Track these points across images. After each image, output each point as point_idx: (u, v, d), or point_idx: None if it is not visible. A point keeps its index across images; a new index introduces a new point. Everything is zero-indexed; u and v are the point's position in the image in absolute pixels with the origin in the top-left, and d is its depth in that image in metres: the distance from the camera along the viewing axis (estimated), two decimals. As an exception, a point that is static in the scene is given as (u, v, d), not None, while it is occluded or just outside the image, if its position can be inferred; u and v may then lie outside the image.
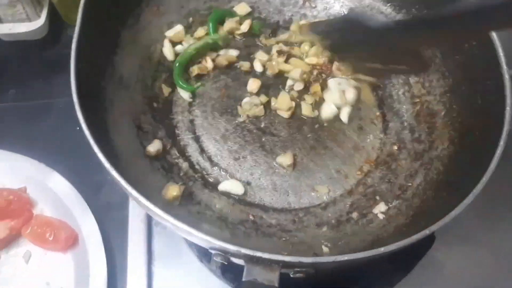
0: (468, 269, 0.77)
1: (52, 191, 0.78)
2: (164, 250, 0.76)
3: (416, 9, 0.83)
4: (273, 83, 0.83)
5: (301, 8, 0.91)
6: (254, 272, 0.51)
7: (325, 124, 0.80)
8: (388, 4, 0.86)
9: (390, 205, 0.72)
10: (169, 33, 0.84)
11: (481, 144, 0.67)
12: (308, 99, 0.82)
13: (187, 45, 0.84)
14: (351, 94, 0.81)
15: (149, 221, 0.77)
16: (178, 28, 0.85)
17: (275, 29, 0.89)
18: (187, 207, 0.69)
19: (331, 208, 0.73)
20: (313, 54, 0.84)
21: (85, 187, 0.77)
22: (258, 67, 0.84)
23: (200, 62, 0.84)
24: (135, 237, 0.76)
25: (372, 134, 0.80)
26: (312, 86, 0.83)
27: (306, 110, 0.81)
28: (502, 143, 0.62)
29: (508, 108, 0.65)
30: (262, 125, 0.79)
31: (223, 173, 0.75)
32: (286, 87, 0.83)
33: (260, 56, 0.84)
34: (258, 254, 0.51)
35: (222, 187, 0.73)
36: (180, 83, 0.80)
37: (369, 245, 0.64)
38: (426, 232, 0.55)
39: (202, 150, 0.77)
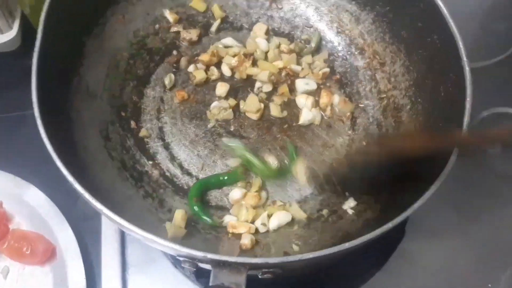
0: (440, 260, 0.78)
1: (28, 204, 0.78)
2: (138, 257, 0.76)
3: (380, 5, 0.84)
4: (241, 86, 0.84)
5: (268, 10, 0.92)
6: (220, 276, 0.52)
7: (294, 124, 0.81)
8: (353, 2, 0.87)
9: (359, 201, 0.73)
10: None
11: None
12: (277, 100, 0.82)
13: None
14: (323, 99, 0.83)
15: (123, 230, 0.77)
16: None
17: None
18: (158, 215, 0.69)
19: (302, 207, 0.74)
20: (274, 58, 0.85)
21: (61, 199, 0.77)
22: (226, 71, 0.85)
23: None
24: (109, 246, 0.76)
25: (341, 131, 0.81)
26: (280, 87, 0.83)
27: (274, 111, 0.81)
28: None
29: (468, 99, 0.66)
30: (232, 129, 0.80)
31: (193, 178, 0.76)
32: (255, 89, 0.83)
33: (227, 60, 0.85)
34: (224, 258, 0.52)
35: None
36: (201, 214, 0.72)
37: (339, 242, 0.64)
38: (389, 225, 0.56)
39: (172, 157, 0.77)
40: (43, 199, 0.77)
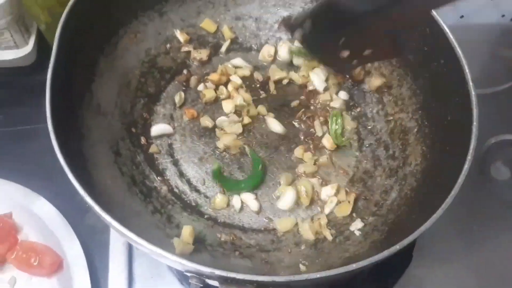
0: (446, 286, 0.78)
1: (37, 216, 0.79)
2: (145, 272, 0.76)
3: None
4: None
5: (276, 32, 0.93)
6: (228, 293, 0.52)
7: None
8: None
9: (366, 222, 0.73)
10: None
11: (452, 159, 0.69)
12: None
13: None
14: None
15: (130, 244, 0.78)
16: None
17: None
18: (165, 230, 0.69)
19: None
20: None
21: (70, 212, 0.78)
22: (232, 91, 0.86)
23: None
24: (116, 260, 0.76)
25: (348, 152, 0.81)
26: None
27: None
28: (470, 157, 0.64)
29: (475, 123, 0.67)
30: (240, 148, 0.81)
31: (202, 195, 0.76)
32: None
33: (234, 79, 0.86)
34: (232, 275, 0.52)
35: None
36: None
37: (345, 262, 0.65)
38: (397, 247, 0.56)
39: (181, 174, 0.78)
40: (53, 211, 0.78)
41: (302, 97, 0.86)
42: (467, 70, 0.70)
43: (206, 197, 0.76)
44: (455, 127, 0.71)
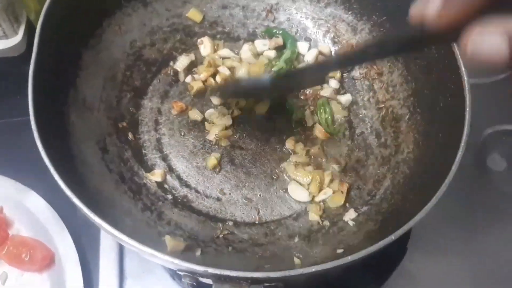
0: (441, 278, 0.78)
1: (28, 210, 0.78)
2: (136, 267, 0.76)
3: (377, 16, 0.84)
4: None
5: (264, 20, 0.91)
6: (222, 291, 0.51)
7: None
8: (349, 12, 0.87)
9: (360, 212, 0.72)
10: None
11: (445, 147, 0.68)
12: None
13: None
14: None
15: (121, 241, 0.77)
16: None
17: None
18: (157, 228, 0.68)
19: (303, 218, 0.73)
20: None
21: (61, 206, 0.77)
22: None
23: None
24: (108, 255, 0.76)
25: (340, 142, 0.80)
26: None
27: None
28: (463, 144, 0.63)
29: (468, 109, 0.66)
30: (231, 140, 0.79)
31: (192, 190, 0.75)
32: None
33: (222, 71, 0.84)
34: (226, 272, 0.51)
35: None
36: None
37: (340, 254, 0.64)
38: (392, 237, 0.55)
39: (171, 169, 0.76)
40: (43, 205, 0.77)
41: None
42: (459, 55, 0.69)
43: (197, 192, 0.75)
44: (448, 114, 0.70)
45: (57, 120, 0.68)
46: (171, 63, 0.86)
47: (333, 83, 0.85)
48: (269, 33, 0.89)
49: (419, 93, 0.78)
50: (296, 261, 0.65)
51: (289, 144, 0.79)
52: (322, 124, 0.81)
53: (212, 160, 0.76)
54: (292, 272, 0.52)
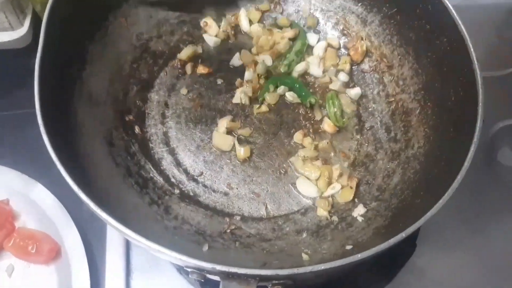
0: (450, 274, 0.77)
1: (35, 203, 0.78)
2: (142, 261, 0.75)
3: (387, 7, 0.82)
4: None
5: (272, 12, 0.90)
6: (230, 288, 0.51)
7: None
8: (359, 4, 0.86)
9: (369, 207, 0.71)
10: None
11: (456, 142, 0.67)
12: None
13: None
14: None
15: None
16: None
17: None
18: (163, 222, 0.68)
19: (311, 214, 0.73)
20: None
21: (68, 198, 0.77)
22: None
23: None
24: (114, 248, 0.76)
25: (349, 136, 0.79)
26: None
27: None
28: (475, 139, 0.62)
29: (480, 104, 0.64)
30: (238, 133, 0.79)
31: (199, 185, 0.74)
32: None
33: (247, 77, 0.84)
34: (234, 269, 0.50)
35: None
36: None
37: (349, 250, 0.64)
38: (402, 235, 0.54)
39: (178, 163, 0.76)
40: (50, 198, 0.77)
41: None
42: (471, 48, 0.68)
43: (205, 186, 0.74)
44: (460, 108, 0.69)
45: (63, 114, 0.67)
46: (178, 55, 0.85)
47: (342, 76, 0.84)
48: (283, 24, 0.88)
49: (430, 87, 0.76)
50: (304, 257, 0.65)
51: (297, 138, 0.78)
52: (330, 118, 0.80)
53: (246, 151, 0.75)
54: (301, 270, 0.52)
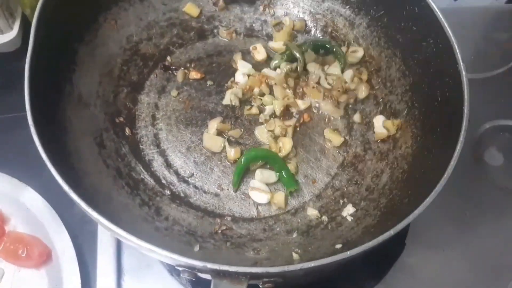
0: (440, 273, 0.78)
1: (25, 206, 0.77)
2: (133, 263, 0.76)
3: (374, 10, 0.84)
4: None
5: (261, 15, 0.91)
6: (221, 286, 0.51)
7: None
8: (347, 7, 0.87)
9: (358, 207, 0.72)
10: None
11: (443, 141, 0.68)
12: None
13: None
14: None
15: (119, 237, 0.76)
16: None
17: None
18: (155, 223, 0.68)
19: (301, 214, 0.73)
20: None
21: (58, 202, 0.77)
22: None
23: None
24: (105, 251, 0.76)
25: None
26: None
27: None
28: (461, 139, 0.63)
29: (466, 104, 0.66)
30: (228, 134, 0.79)
31: (190, 186, 0.75)
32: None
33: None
34: (225, 267, 0.51)
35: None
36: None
37: (338, 249, 0.64)
38: (391, 232, 0.55)
39: (168, 164, 0.76)
40: (40, 201, 0.77)
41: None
42: (457, 50, 0.69)
43: (196, 187, 0.75)
44: (446, 108, 0.70)
45: (53, 116, 0.67)
46: (168, 58, 0.85)
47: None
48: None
49: (417, 88, 0.78)
50: (295, 256, 0.65)
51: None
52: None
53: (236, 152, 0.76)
54: (291, 267, 0.52)
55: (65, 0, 0.71)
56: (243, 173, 0.74)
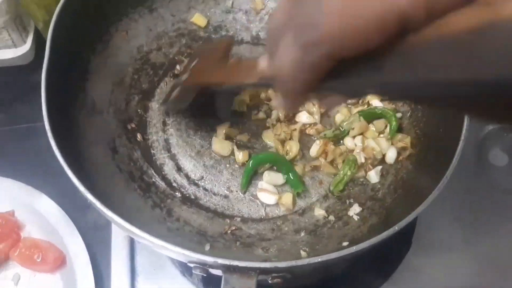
0: (446, 273, 0.79)
1: (39, 213, 0.80)
2: (147, 265, 0.77)
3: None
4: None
5: (267, 24, 0.93)
6: (232, 281, 0.53)
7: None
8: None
9: (364, 206, 0.74)
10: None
11: (445, 142, 0.69)
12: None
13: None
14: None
15: (132, 238, 0.79)
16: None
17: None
18: (166, 224, 0.70)
19: (308, 214, 0.75)
20: None
21: (72, 208, 0.79)
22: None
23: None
24: (118, 254, 0.78)
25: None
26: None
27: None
28: (463, 137, 0.65)
29: (468, 104, 0.67)
30: (237, 138, 0.81)
31: (200, 188, 0.77)
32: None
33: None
34: (235, 263, 0.53)
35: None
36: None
37: (345, 246, 0.66)
38: (395, 228, 0.57)
39: (179, 168, 0.78)
40: (54, 208, 0.79)
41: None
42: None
43: (205, 189, 0.77)
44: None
45: (68, 124, 0.70)
46: (178, 66, 0.88)
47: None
48: None
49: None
50: (303, 254, 0.67)
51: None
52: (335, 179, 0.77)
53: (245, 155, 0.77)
54: (299, 262, 0.54)
55: (78, 14, 0.74)
56: (251, 176, 0.77)
